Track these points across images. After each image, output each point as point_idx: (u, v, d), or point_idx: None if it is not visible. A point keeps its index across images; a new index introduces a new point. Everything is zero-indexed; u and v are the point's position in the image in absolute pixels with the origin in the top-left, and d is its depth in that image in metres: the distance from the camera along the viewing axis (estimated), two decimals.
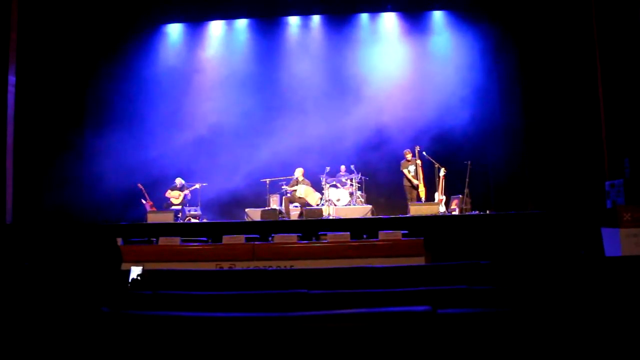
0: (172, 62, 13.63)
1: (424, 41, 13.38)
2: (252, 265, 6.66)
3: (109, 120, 12.75)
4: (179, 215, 11.71)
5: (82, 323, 1.72)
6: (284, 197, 11.78)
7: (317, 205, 11.48)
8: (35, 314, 1.78)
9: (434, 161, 11.45)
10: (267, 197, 12.05)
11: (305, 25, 13.93)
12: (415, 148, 11.54)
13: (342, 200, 12.01)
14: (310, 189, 11.53)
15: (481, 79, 12.41)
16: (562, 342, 1.68)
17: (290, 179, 11.78)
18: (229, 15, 13.81)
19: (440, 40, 13.27)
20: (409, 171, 11.57)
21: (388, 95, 12.67)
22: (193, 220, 11.51)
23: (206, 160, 12.69)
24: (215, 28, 14.02)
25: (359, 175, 12.30)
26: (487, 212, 10.79)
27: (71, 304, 2.06)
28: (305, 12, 13.74)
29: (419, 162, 11.43)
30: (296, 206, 11.52)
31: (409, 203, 11.36)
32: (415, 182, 11.53)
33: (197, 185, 12.17)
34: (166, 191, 12.20)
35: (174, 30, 14.05)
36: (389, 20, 13.72)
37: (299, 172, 11.68)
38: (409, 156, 11.60)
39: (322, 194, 12.03)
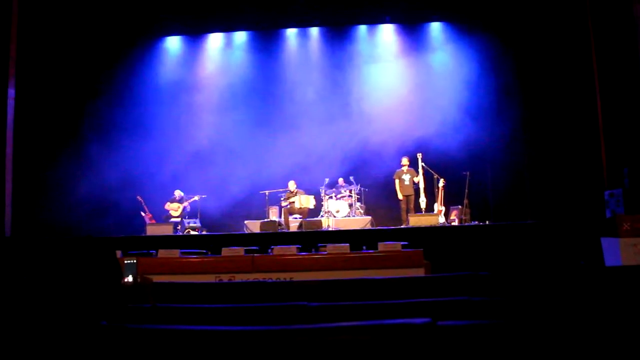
0: (171, 75, 13.68)
1: (422, 54, 13.42)
2: (251, 277, 6.63)
3: (108, 133, 12.77)
4: (178, 227, 11.70)
5: (80, 337, 1.71)
6: (283, 208, 11.80)
7: (313, 206, 11.67)
8: (33, 328, 1.77)
9: (433, 172, 11.46)
10: (267, 208, 12.06)
11: (303, 39, 13.99)
12: (417, 155, 11.56)
13: (341, 211, 12.02)
14: (305, 195, 11.62)
15: (480, 90, 12.43)
16: (563, 353, 1.68)
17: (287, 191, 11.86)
18: (227, 28, 13.88)
19: (439, 52, 13.31)
20: (402, 180, 11.61)
21: (387, 106, 12.71)
22: (192, 233, 11.50)
23: (205, 172, 12.68)
24: (214, 41, 14.09)
25: (358, 186, 12.31)
26: (487, 222, 10.80)
27: (70, 318, 2.05)
28: (303, 24, 13.80)
29: (420, 170, 11.45)
30: (296, 217, 11.53)
31: (402, 214, 11.44)
32: (400, 194, 11.59)
33: (196, 198, 12.17)
34: (165, 203, 12.20)
35: (173, 44, 14.12)
36: (387, 33, 13.79)
37: (292, 185, 11.79)
38: (404, 161, 11.65)
39: (322, 205, 12.06)
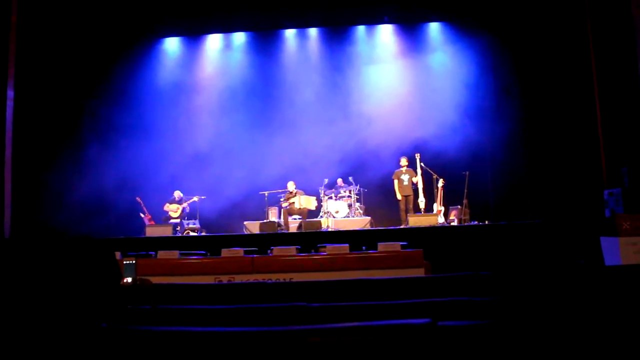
0: (169, 76, 13.64)
1: (421, 54, 13.40)
2: (251, 278, 6.63)
3: (107, 134, 12.72)
4: (178, 228, 11.69)
5: (80, 339, 1.71)
6: (282, 209, 11.80)
7: (315, 208, 11.67)
8: (33, 330, 1.77)
9: (432, 172, 11.45)
10: (266, 209, 12.05)
11: (301, 39, 13.99)
12: (415, 156, 11.55)
13: (340, 212, 12.01)
14: (306, 196, 11.60)
15: (479, 90, 12.42)
16: (563, 352, 1.68)
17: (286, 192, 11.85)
18: (226, 29, 13.85)
19: (438, 53, 13.29)
20: (400, 181, 11.59)
21: (386, 107, 12.66)
22: (192, 234, 11.49)
23: (204, 173, 12.66)
24: (213, 42, 14.07)
25: (358, 186, 12.30)
26: (486, 222, 10.79)
27: (69, 320, 2.05)
28: (302, 25, 13.79)
29: (418, 170, 11.44)
30: (295, 218, 11.52)
31: (401, 214, 11.43)
32: (399, 195, 11.57)
33: (196, 198, 12.16)
34: (164, 204, 12.19)
35: (172, 45, 14.08)
36: (386, 34, 13.76)
37: (291, 185, 11.75)
38: (403, 161, 11.63)
39: (321, 205, 12.04)
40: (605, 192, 8.70)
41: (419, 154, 11.54)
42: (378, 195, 12.64)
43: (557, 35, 10.97)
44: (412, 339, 1.64)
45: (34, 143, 11.09)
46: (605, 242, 6.57)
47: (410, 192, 11.57)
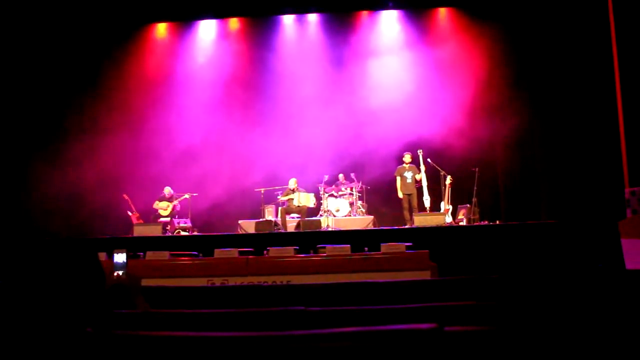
0: (158, 66, 13.59)
1: (428, 44, 13.32)
2: (246, 280, 6.64)
3: (90, 128, 12.68)
4: (168, 227, 11.69)
5: (64, 345, 1.72)
6: (279, 207, 11.78)
7: (314, 205, 11.70)
8: (12, 337, 1.77)
9: (439, 168, 11.43)
10: (262, 207, 12.03)
11: (300, 27, 13.93)
12: (418, 152, 11.52)
13: (341, 210, 12.01)
14: (306, 193, 11.58)
15: (490, 82, 12.35)
16: None
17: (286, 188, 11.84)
18: (219, 14, 13.78)
19: (446, 42, 13.21)
20: (404, 178, 11.55)
21: (390, 100, 12.61)
22: (183, 233, 11.50)
23: (196, 169, 12.63)
24: (206, 29, 14.00)
25: (360, 183, 12.27)
26: (497, 222, 10.80)
27: (52, 325, 2.05)
28: (301, 10, 13.72)
29: (422, 167, 11.42)
30: (293, 217, 11.52)
31: (404, 213, 11.40)
32: (400, 193, 11.53)
33: (187, 196, 12.14)
34: (154, 202, 12.18)
35: (163, 34, 14.00)
36: (390, 21, 13.71)
37: (293, 183, 11.71)
38: (406, 158, 11.58)
39: (321, 203, 12.03)
40: (627, 190, 8.67)
41: (421, 150, 11.50)
42: (381, 193, 12.62)
43: (575, 23, 10.92)
44: (417, 345, 1.64)
45: (13, 139, 11.06)
46: (627, 244, 6.56)
47: (413, 190, 11.51)
